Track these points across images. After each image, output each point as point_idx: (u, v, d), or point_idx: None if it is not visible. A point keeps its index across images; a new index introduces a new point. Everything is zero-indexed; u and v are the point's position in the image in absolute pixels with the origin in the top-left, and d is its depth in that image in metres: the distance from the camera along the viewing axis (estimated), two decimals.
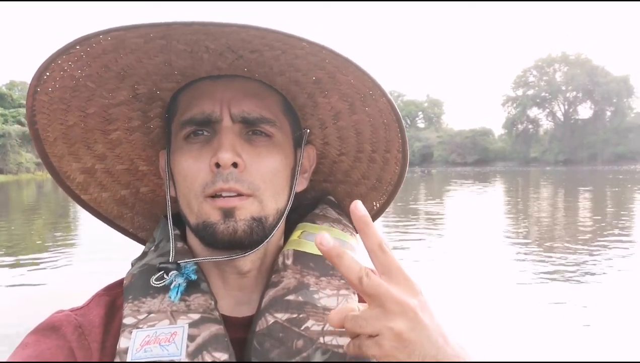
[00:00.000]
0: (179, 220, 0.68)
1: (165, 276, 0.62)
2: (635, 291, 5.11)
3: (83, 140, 0.69)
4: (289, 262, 0.65)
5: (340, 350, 0.60)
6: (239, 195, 0.60)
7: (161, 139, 0.72)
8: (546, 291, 5.24)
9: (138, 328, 0.59)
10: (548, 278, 5.71)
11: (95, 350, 0.61)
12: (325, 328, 0.60)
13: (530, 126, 69.99)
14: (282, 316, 0.61)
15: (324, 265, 0.65)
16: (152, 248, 0.68)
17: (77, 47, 0.56)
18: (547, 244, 8.13)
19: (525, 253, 7.32)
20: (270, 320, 0.61)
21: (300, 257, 0.66)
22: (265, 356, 0.59)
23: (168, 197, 0.68)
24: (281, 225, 0.67)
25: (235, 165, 0.59)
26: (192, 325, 0.59)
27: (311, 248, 0.66)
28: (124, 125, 0.70)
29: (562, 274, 5.94)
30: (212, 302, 0.62)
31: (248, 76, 0.65)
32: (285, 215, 0.66)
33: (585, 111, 67.42)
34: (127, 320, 0.60)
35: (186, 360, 0.57)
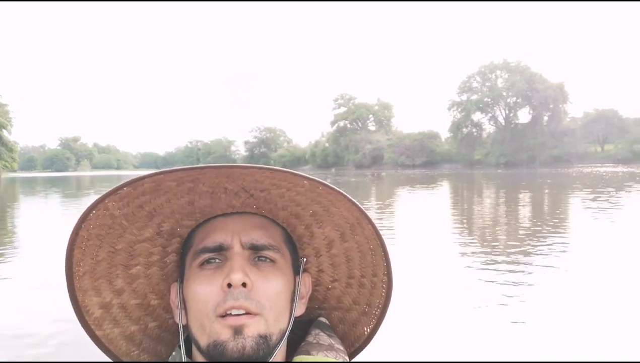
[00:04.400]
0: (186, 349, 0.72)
1: None
2: (568, 288, 5.60)
3: (107, 275, 0.72)
4: None
5: None
6: (247, 313, 0.64)
7: (174, 272, 0.77)
8: (485, 289, 5.66)
9: None
10: (487, 279, 6.16)
11: None
12: None
13: (474, 130, 72.75)
14: None
15: None
16: None
17: (125, 189, 0.64)
18: (487, 243, 8.70)
19: (470, 254, 7.82)
20: None
21: None
22: None
23: (180, 324, 0.71)
24: (283, 345, 0.69)
25: (244, 285, 0.65)
26: None
27: None
28: (145, 260, 0.74)
29: (501, 272, 6.42)
30: None
31: (255, 212, 0.73)
32: (287, 336, 0.69)
33: (524, 116, 70.97)
34: None
35: None
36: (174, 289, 0.74)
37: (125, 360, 0.77)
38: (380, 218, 11.88)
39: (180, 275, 0.74)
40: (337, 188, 0.68)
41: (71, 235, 0.66)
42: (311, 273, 0.81)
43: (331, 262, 0.81)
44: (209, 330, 0.64)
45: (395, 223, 11.53)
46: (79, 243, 0.67)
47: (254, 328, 0.64)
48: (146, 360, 0.79)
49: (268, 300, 0.67)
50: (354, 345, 0.85)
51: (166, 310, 0.79)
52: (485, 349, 4.02)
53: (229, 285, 0.64)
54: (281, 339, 0.68)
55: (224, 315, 0.64)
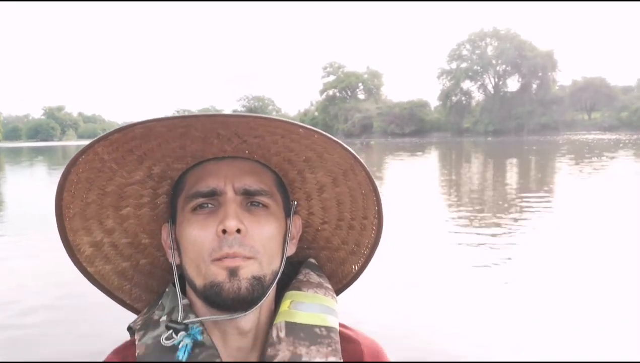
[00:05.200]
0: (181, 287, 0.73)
1: (174, 335, 0.67)
2: (553, 251, 5.79)
3: (97, 216, 0.74)
4: (282, 334, 0.70)
5: None
6: (242, 257, 0.66)
7: (165, 213, 0.78)
8: (474, 251, 5.83)
9: None
10: (476, 242, 6.33)
11: None
12: None
13: (463, 98, 72.48)
14: None
15: (312, 334, 0.71)
16: (164, 317, 0.71)
17: (116, 134, 0.64)
18: (477, 208, 8.87)
19: (456, 218, 7.98)
20: None
21: (292, 328, 0.71)
22: None
23: (174, 264, 0.73)
24: (275, 285, 0.72)
25: (238, 231, 0.66)
26: None
27: (300, 318, 0.72)
28: (135, 201, 0.75)
29: (489, 237, 6.59)
30: None
31: (247, 157, 0.73)
32: (279, 276, 0.72)
33: (513, 84, 70.67)
34: None
35: None
36: (165, 229, 0.76)
37: (117, 294, 0.80)
38: None
39: (171, 216, 0.76)
40: (332, 137, 0.68)
41: (60, 179, 0.67)
42: (301, 216, 0.82)
43: (322, 206, 0.82)
44: (204, 272, 0.67)
45: (384, 191, 11.61)
46: (68, 187, 0.68)
47: (248, 270, 0.66)
48: (138, 294, 0.82)
49: (261, 244, 0.68)
50: (342, 282, 0.88)
51: (157, 248, 0.81)
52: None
53: (224, 231, 0.66)
54: (274, 279, 0.71)
55: (219, 259, 0.66)
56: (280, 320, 0.72)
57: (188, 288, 0.72)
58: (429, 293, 4.52)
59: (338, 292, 0.86)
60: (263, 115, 0.63)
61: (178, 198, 0.73)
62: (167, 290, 0.75)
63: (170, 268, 0.77)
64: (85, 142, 0.68)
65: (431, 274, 5.12)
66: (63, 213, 0.70)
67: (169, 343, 0.66)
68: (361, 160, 0.72)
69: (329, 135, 0.68)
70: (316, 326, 0.72)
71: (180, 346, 0.66)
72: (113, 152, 0.67)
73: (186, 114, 0.68)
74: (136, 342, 0.70)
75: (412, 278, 4.94)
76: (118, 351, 0.72)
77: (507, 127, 63.52)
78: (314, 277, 0.80)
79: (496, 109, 67.00)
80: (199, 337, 0.68)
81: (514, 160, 18.71)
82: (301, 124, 0.66)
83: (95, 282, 0.78)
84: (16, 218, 9.34)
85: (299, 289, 0.76)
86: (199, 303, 0.71)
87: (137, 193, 0.74)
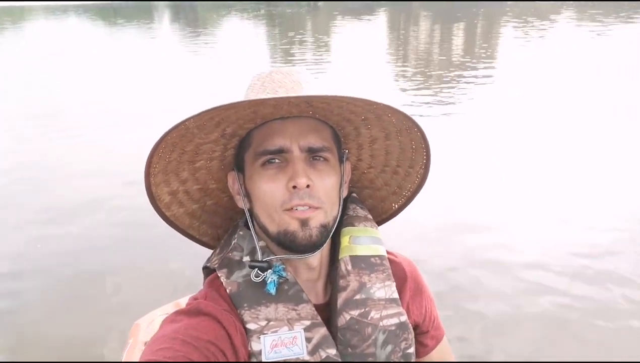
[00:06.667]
0: (246, 227, 0.83)
1: (260, 273, 0.76)
2: (493, 113, 6.15)
3: (175, 170, 0.81)
4: (349, 267, 0.82)
5: (393, 328, 0.80)
6: (311, 207, 0.75)
7: (230, 163, 0.86)
8: (421, 111, 6.10)
9: (264, 334, 0.73)
10: (422, 102, 6.59)
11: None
12: (382, 314, 0.80)
13: None
14: (354, 313, 0.78)
15: (370, 264, 0.83)
16: (246, 258, 0.79)
17: (206, 114, 0.69)
18: (423, 71, 9.06)
19: (404, 80, 8.17)
20: (347, 317, 0.78)
21: (355, 261, 0.83)
22: (348, 343, 0.77)
23: (246, 209, 0.82)
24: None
25: (307, 186, 0.74)
26: (306, 330, 0.74)
27: (359, 251, 0.84)
28: (208, 156, 0.82)
29: (434, 98, 6.85)
30: (315, 311, 0.77)
31: (309, 116, 0.79)
32: (338, 219, 0.81)
33: None
34: (250, 326, 0.73)
35: (308, 358, 0.73)
36: (232, 177, 0.85)
37: (189, 231, 0.90)
38: (319, 53, 11.75)
39: (236, 165, 0.84)
40: (401, 110, 0.75)
41: (153, 147, 0.73)
42: (350, 161, 0.91)
43: (371, 154, 0.91)
44: (278, 220, 0.75)
45: (331, 57, 11.47)
46: (158, 152, 0.74)
47: (317, 220, 0.75)
48: (205, 229, 0.92)
49: (326, 195, 0.77)
50: (381, 217, 0.99)
51: (222, 191, 0.90)
52: None
53: (294, 187, 0.74)
54: (335, 223, 0.80)
55: (290, 210, 0.75)
56: (344, 255, 0.83)
57: (259, 230, 0.81)
58: None
59: (379, 224, 0.96)
60: (348, 96, 0.69)
61: (245, 152, 0.81)
62: (240, 233, 0.83)
63: (231, 207, 0.91)
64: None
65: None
66: (150, 172, 0.77)
67: (259, 279, 0.76)
68: (420, 125, 0.79)
69: (397, 108, 0.74)
70: (372, 256, 0.84)
71: (268, 282, 0.75)
72: (198, 120, 0.72)
73: (273, 91, 0.78)
74: (223, 281, 0.78)
75: None
76: (208, 292, 0.78)
77: None
78: (360, 211, 0.90)
79: None
80: (283, 273, 0.77)
81: (461, 24, 18.59)
82: (382, 102, 0.71)
83: (171, 224, 0.87)
84: None
85: (352, 224, 0.87)
86: (271, 245, 0.80)
87: (210, 149, 0.81)
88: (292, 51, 12.56)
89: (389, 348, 0.79)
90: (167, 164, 0.79)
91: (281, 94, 0.78)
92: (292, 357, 0.72)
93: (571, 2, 26.06)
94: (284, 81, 0.80)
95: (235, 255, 0.81)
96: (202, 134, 0.76)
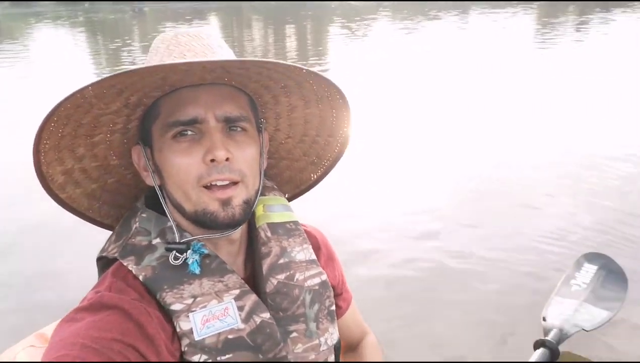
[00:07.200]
0: (154, 205, 0.77)
1: (178, 255, 0.71)
2: None
3: (70, 146, 0.72)
4: (269, 234, 0.81)
5: (317, 287, 0.81)
6: (232, 182, 0.70)
7: (134, 136, 0.78)
8: None
9: (192, 311, 0.68)
10: None
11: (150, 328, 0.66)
12: (305, 275, 0.81)
13: None
14: (280, 277, 0.78)
15: (286, 229, 0.84)
16: (157, 240, 0.73)
17: (110, 81, 0.62)
18: None
19: None
20: (274, 281, 0.77)
21: (273, 228, 0.82)
22: (279, 307, 0.76)
23: (157, 186, 0.75)
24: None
25: (227, 159, 0.69)
26: (236, 299, 0.72)
27: (275, 218, 0.84)
28: (108, 128, 0.74)
29: None
30: (242, 280, 0.74)
31: (224, 83, 0.72)
32: (260, 192, 0.78)
33: None
34: (175, 307, 0.68)
35: (243, 326, 0.70)
36: (136, 151, 0.77)
37: (87, 214, 0.82)
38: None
39: (141, 138, 0.77)
40: (325, 76, 0.72)
41: (43, 121, 0.65)
42: (268, 131, 0.87)
43: (289, 123, 0.87)
44: (195, 199, 0.70)
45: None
46: (48, 126, 0.66)
47: (239, 198, 0.71)
48: (106, 210, 0.84)
49: (247, 167, 0.72)
50: (299, 188, 0.97)
51: (125, 167, 0.82)
52: None
53: (212, 161, 0.68)
54: (257, 197, 0.77)
55: (208, 186, 0.70)
56: (262, 222, 0.82)
57: (172, 208, 0.75)
58: None
59: (296, 196, 0.97)
60: (270, 61, 0.65)
61: (153, 124, 0.73)
62: (143, 215, 0.75)
63: (135, 185, 0.84)
64: None
65: None
66: (39, 150, 0.69)
67: (178, 262, 0.70)
68: (344, 92, 0.77)
69: (321, 74, 0.72)
70: (286, 222, 0.84)
71: (190, 263, 0.70)
72: (96, 89, 0.64)
73: (180, 55, 0.72)
74: (132, 268, 0.70)
75: None
76: (113, 282, 0.69)
77: None
78: (267, 182, 0.89)
79: None
80: (204, 250, 0.72)
81: (293, 27, 19.23)
82: (305, 68, 0.69)
83: (67, 206, 0.79)
84: None
85: (263, 194, 0.85)
86: (186, 223, 0.74)
87: (111, 121, 0.73)
88: (121, 59, 11.62)
89: (316, 307, 0.80)
90: (59, 140, 0.70)
91: (190, 58, 0.72)
92: (226, 328, 0.69)
93: (387, 2, 28.68)
94: (192, 44, 0.74)
95: (142, 240, 0.73)
96: (102, 103, 0.68)
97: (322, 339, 0.80)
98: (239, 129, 0.73)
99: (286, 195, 0.95)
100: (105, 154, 0.78)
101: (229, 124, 0.72)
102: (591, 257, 2.23)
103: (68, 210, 0.80)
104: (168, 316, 0.68)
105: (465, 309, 2.29)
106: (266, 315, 0.73)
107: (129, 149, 0.79)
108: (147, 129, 0.75)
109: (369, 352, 1.02)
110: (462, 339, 2.11)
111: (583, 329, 1.80)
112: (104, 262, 0.76)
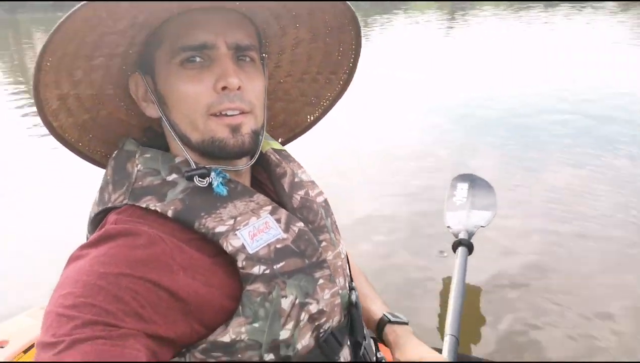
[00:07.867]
0: (154, 140, 0.76)
1: (201, 179, 0.68)
2: None
3: (69, 67, 0.67)
4: (277, 157, 0.83)
5: (324, 204, 0.83)
6: (242, 113, 0.68)
7: (134, 64, 0.73)
8: None
9: (237, 229, 0.67)
10: None
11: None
12: (315, 193, 0.82)
13: None
14: (301, 193, 0.80)
15: (284, 155, 0.85)
16: (172, 176, 0.70)
17: None
18: None
19: None
20: (298, 197, 0.79)
21: (277, 152, 0.84)
22: (307, 220, 0.77)
23: (164, 119, 0.72)
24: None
25: (239, 88, 0.67)
26: (271, 213, 0.72)
27: (274, 145, 0.86)
28: (109, 51, 0.68)
29: None
30: (267, 197, 0.75)
31: (232, 8, 0.69)
32: (265, 127, 0.78)
33: None
34: (220, 229, 0.66)
35: (286, 236, 0.71)
36: (135, 79, 0.74)
37: (77, 146, 0.78)
38: None
39: (141, 66, 0.73)
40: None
41: (51, 34, 0.60)
42: (268, 68, 0.84)
43: (292, 59, 0.85)
44: (202, 127, 0.68)
45: None
46: (55, 40, 0.61)
47: (248, 126, 0.70)
48: (95, 145, 0.81)
49: (256, 98, 0.71)
50: (293, 131, 0.96)
51: (120, 98, 0.78)
52: None
53: (223, 88, 0.66)
54: (263, 131, 0.77)
55: (218, 115, 0.68)
56: (267, 148, 0.83)
57: (176, 143, 0.72)
58: None
59: (289, 140, 0.96)
60: None
61: (157, 49, 0.70)
62: (147, 155, 0.72)
63: (127, 120, 0.80)
64: None
65: None
66: (42, 67, 0.64)
67: (205, 184, 0.68)
68: (357, 17, 0.76)
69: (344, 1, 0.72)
70: (282, 149, 0.86)
71: (215, 185, 0.68)
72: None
73: None
74: (156, 206, 0.66)
75: None
76: (119, 219, 0.66)
77: None
78: None
79: None
80: (226, 175, 0.71)
81: None
82: None
83: (57, 136, 0.76)
84: None
85: None
86: (193, 156, 0.72)
87: (114, 43, 0.68)
88: None
89: (329, 220, 0.83)
90: (61, 58, 0.66)
91: None
92: (273, 239, 0.70)
93: None
94: None
95: (153, 181, 0.69)
96: (109, 20, 0.64)
97: (341, 248, 0.84)
98: (247, 59, 0.71)
99: (279, 140, 0.95)
100: (102, 81, 0.74)
101: (238, 53, 0.70)
102: (461, 178, 2.59)
103: (59, 141, 0.77)
104: (209, 240, 0.67)
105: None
106: (301, 225, 0.74)
107: (126, 78, 0.75)
108: (149, 55, 0.71)
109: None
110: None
111: (481, 226, 2.11)
112: (101, 216, 0.70)
